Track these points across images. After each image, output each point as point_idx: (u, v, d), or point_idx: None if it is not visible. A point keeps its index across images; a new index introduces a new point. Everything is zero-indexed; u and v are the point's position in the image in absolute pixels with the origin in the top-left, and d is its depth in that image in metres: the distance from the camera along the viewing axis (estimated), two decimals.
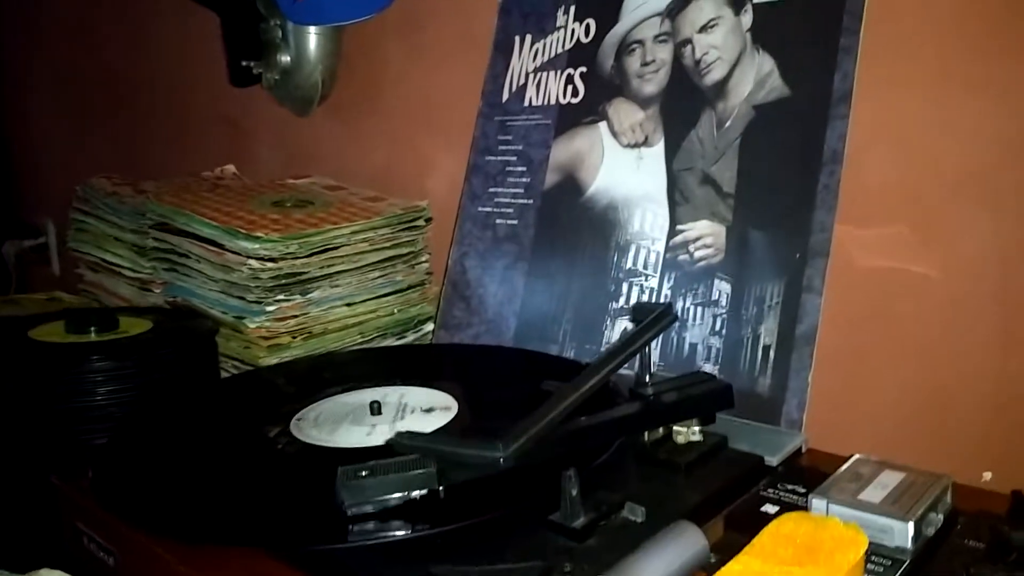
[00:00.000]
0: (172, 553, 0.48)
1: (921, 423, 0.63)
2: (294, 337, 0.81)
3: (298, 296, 0.81)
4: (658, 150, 0.70)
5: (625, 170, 0.72)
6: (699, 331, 0.65)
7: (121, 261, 0.95)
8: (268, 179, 1.02)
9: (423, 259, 0.91)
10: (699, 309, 0.65)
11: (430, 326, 0.92)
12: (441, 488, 0.45)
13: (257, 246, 0.78)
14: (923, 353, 0.63)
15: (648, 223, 0.69)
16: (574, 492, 0.44)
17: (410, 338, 0.90)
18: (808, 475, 0.50)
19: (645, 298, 0.68)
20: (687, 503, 0.48)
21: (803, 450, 0.57)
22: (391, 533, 0.44)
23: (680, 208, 0.68)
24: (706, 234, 0.66)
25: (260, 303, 0.79)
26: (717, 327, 0.64)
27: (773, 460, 0.54)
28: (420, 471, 0.45)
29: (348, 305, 0.85)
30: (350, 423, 0.60)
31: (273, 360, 0.79)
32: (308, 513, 0.48)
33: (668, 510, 0.46)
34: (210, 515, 0.49)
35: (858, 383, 0.65)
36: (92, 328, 0.75)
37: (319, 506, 0.47)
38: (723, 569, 0.38)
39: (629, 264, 0.70)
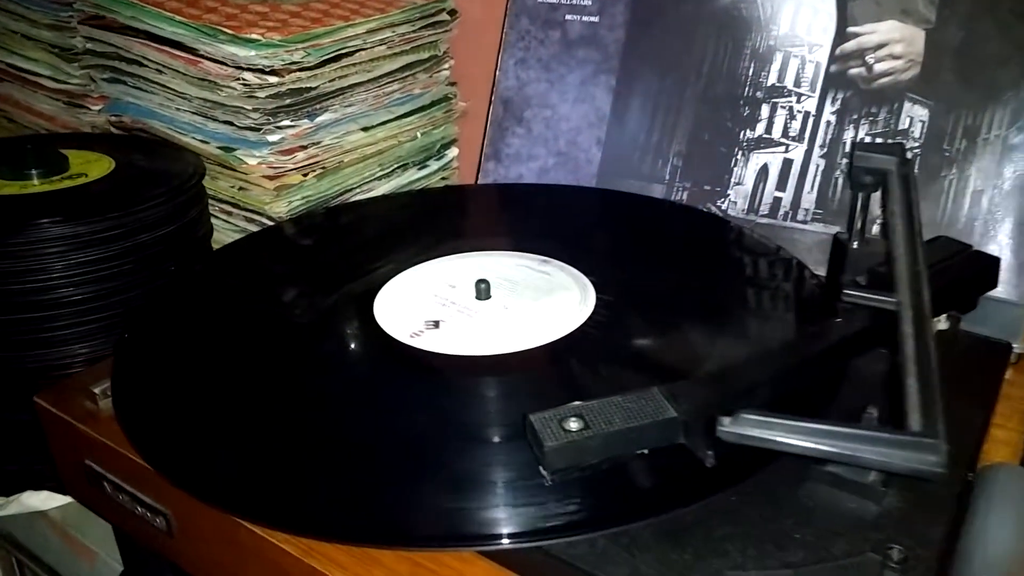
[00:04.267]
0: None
1: None
2: (305, 175, 0.62)
3: (306, 120, 0.61)
4: None
5: None
6: None
7: (38, 68, 0.71)
8: None
9: (445, 66, 0.72)
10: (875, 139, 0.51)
11: (454, 151, 0.75)
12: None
13: (253, 53, 0.57)
14: None
15: (804, 22, 0.52)
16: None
17: (434, 167, 0.73)
18: None
19: (796, 126, 0.53)
20: (974, 424, 0.36)
21: None
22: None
23: (854, 2, 0.51)
24: (894, 39, 0.50)
25: (259, 130, 0.59)
26: None
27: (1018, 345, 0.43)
28: (660, 419, 0.31)
29: (365, 130, 0.66)
30: (450, 313, 0.44)
31: (283, 207, 0.61)
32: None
33: (965, 442, 0.34)
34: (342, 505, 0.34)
35: None
36: (33, 170, 0.55)
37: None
38: None
39: (772, 79, 0.54)
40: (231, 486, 0.34)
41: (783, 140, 0.53)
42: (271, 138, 0.60)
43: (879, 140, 0.50)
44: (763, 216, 0.54)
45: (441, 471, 0.34)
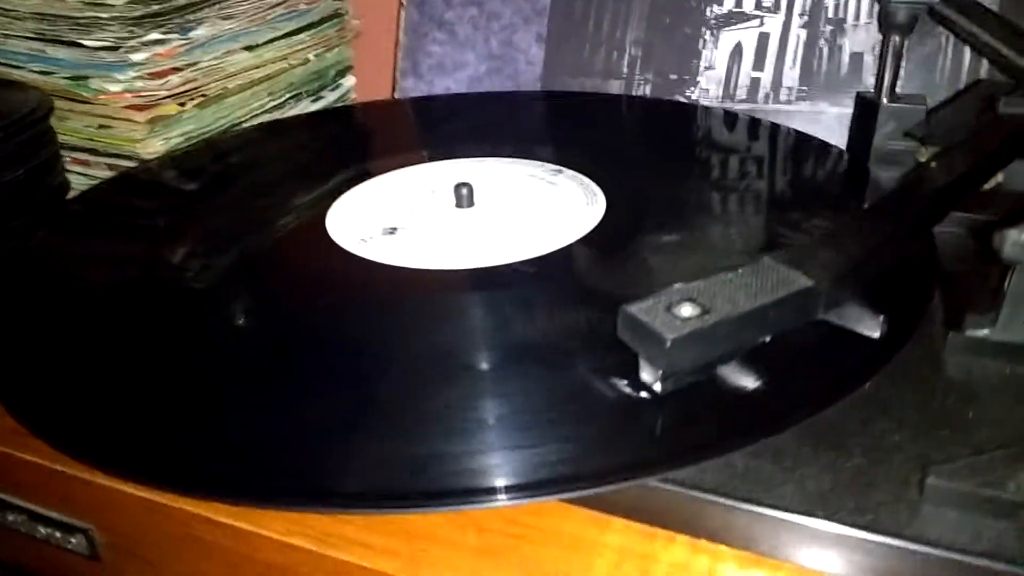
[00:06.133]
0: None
1: None
2: (182, 104, 0.50)
3: (176, 35, 0.49)
4: None
5: None
6: (866, 34, 0.46)
7: None
8: None
9: None
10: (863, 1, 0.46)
11: (350, 80, 0.64)
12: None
13: None
14: None
15: None
16: None
17: (329, 98, 0.62)
18: None
19: None
20: None
21: None
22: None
23: None
24: None
25: (117, 48, 0.47)
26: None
27: None
28: (795, 290, 0.23)
29: (248, 49, 0.54)
30: (428, 226, 0.35)
31: (158, 145, 0.49)
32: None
33: None
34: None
35: None
36: None
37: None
38: None
39: None
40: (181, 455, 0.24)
41: (756, 12, 0.47)
42: (135, 57, 0.47)
43: None
44: (740, 101, 0.48)
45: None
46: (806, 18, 0.47)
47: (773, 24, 0.47)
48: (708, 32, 0.48)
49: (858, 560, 0.21)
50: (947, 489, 0.21)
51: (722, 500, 0.22)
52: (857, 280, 0.23)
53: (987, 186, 0.35)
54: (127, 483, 0.25)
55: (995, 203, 0.34)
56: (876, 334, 0.23)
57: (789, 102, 0.47)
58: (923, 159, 0.35)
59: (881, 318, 0.23)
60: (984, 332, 0.26)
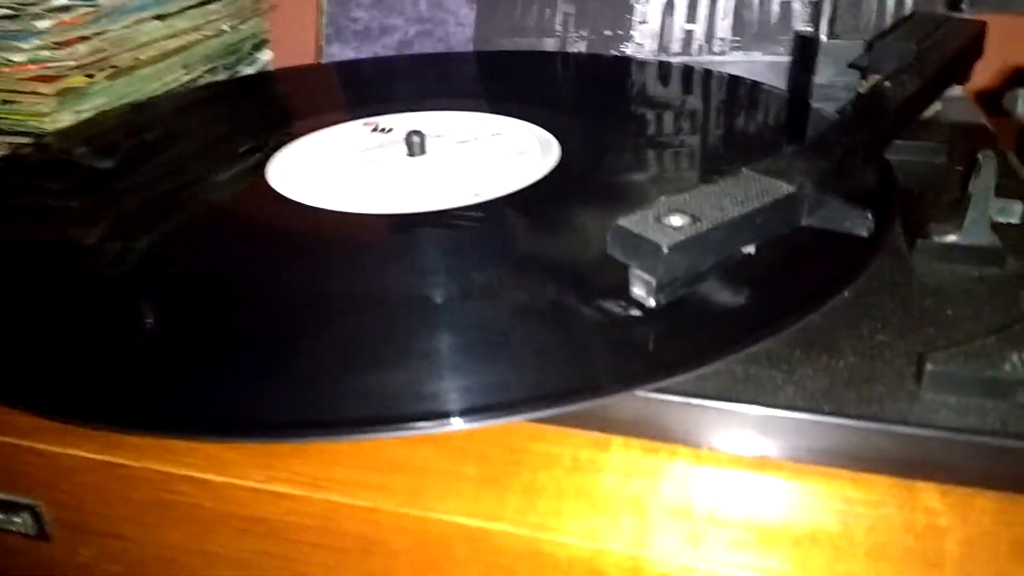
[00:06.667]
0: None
1: None
2: (91, 76, 0.47)
3: (82, 0, 0.46)
4: None
5: None
6: None
7: None
8: None
9: None
10: None
11: (268, 54, 0.62)
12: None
13: None
14: None
15: None
16: None
17: (247, 72, 0.59)
18: None
19: None
20: None
21: None
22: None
23: None
24: None
25: (19, 16, 0.43)
26: None
27: None
28: (780, 197, 0.23)
29: (160, 19, 0.51)
30: (375, 173, 0.34)
31: (69, 118, 0.46)
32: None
33: None
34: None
35: None
36: None
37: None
38: None
39: None
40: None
41: None
42: (39, 25, 0.44)
43: None
44: (675, 55, 0.48)
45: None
46: None
47: None
48: None
49: (864, 451, 0.21)
50: (946, 374, 0.21)
51: (726, 405, 0.21)
52: (838, 182, 0.23)
53: (928, 115, 0.36)
54: (78, 447, 0.23)
55: (936, 131, 0.35)
56: (865, 232, 0.23)
57: (723, 53, 0.48)
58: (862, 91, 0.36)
59: (868, 214, 0.23)
60: (951, 238, 0.27)
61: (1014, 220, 0.29)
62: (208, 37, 0.55)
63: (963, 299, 0.25)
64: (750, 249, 0.24)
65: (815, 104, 0.38)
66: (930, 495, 0.20)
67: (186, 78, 0.54)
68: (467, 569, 0.21)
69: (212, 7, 0.55)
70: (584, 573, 0.21)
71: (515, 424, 0.21)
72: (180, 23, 0.53)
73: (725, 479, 0.22)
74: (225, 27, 0.57)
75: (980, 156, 0.26)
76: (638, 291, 0.23)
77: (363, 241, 0.30)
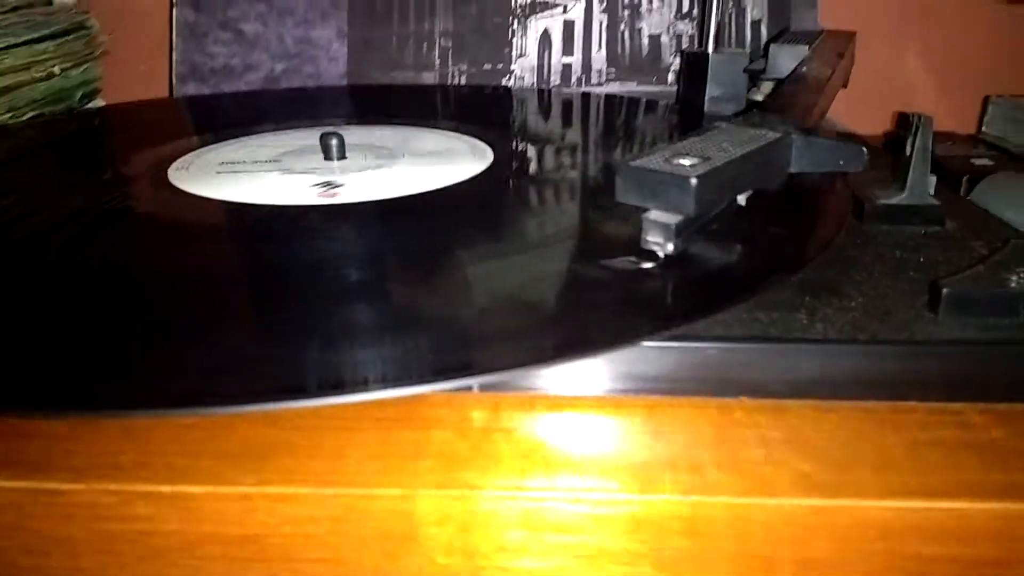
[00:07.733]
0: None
1: None
2: None
3: None
4: None
5: None
6: (659, 17, 0.49)
7: None
8: None
9: None
10: None
11: (100, 103, 0.56)
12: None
13: None
14: None
15: None
16: None
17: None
18: None
19: None
20: None
21: None
22: None
23: None
24: None
25: None
26: (684, 7, 0.49)
27: None
28: (771, 140, 0.23)
29: None
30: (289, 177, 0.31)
31: None
32: None
33: None
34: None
35: None
36: None
37: None
38: None
39: None
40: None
41: (559, 1, 0.49)
42: None
43: None
44: (555, 86, 0.49)
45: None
46: (604, 4, 0.49)
47: (576, 11, 0.49)
48: (516, 21, 0.49)
49: (897, 375, 0.20)
50: (962, 296, 0.21)
51: (759, 345, 0.20)
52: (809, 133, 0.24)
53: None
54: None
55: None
56: (861, 166, 0.24)
57: (600, 84, 0.49)
58: (760, 98, 0.38)
59: (863, 147, 0.24)
60: (896, 199, 0.28)
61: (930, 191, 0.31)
62: (36, 79, 0.49)
63: (927, 249, 0.26)
64: (741, 200, 0.24)
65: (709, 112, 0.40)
66: (973, 414, 0.20)
67: (11, 121, 0.48)
68: None
69: (41, 47, 0.50)
70: None
71: None
72: (6, 60, 0.47)
73: (755, 421, 0.20)
74: (55, 70, 0.51)
75: (915, 118, 0.27)
76: (653, 238, 0.21)
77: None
